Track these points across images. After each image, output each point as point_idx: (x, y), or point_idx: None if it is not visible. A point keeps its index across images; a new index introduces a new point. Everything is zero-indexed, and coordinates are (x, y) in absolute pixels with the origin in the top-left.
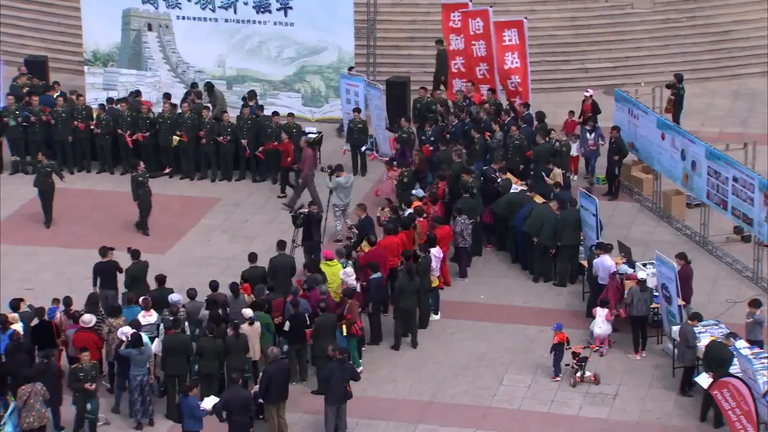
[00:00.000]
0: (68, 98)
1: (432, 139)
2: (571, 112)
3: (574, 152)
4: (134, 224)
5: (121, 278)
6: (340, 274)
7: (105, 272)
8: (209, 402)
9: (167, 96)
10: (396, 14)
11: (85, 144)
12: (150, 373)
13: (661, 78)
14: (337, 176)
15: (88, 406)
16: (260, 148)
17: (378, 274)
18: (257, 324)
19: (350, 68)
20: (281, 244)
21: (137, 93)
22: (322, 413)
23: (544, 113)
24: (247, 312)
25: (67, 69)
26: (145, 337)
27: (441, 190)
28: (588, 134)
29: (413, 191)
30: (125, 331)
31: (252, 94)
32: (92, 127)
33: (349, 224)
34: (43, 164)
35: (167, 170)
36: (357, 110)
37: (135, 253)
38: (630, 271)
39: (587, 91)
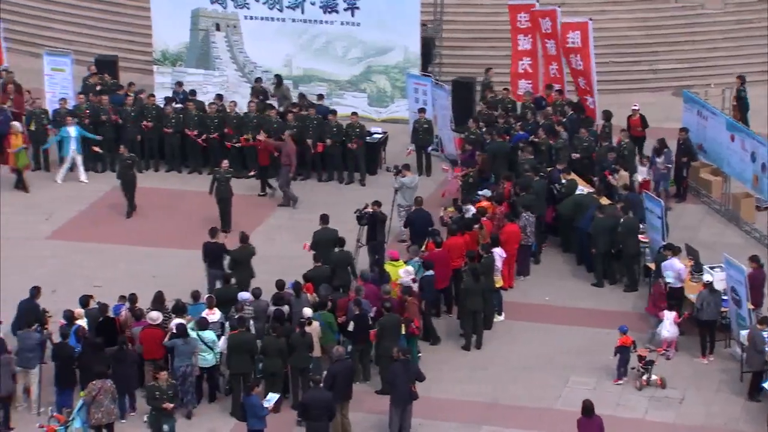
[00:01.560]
0: (138, 98)
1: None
2: (635, 110)
3: (643, 175)
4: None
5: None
6: (399, 272)
7: (213, 252)
8: (271, 400)
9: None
10: (462, 14)
11: (154, 143)
12: (194, 365)
13: (732, 79)
14: (402, 176)
15: (165, 427)
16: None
17: (430, 272)
18: (316, 323)
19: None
20: (324, 218)
21: (192, 93)
22: (385, 413)
23: (611, 112)
24: (307, 312)
25: (137, 68)
26: (211, 335)
27: (507, 190)
28: (657, 157)
29: (479, 192)
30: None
31: (320, 96)
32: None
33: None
34: (123, 156)
35: (252, 172)
36: (422, 110)
37: (243, 237)
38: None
39: (635, 105)
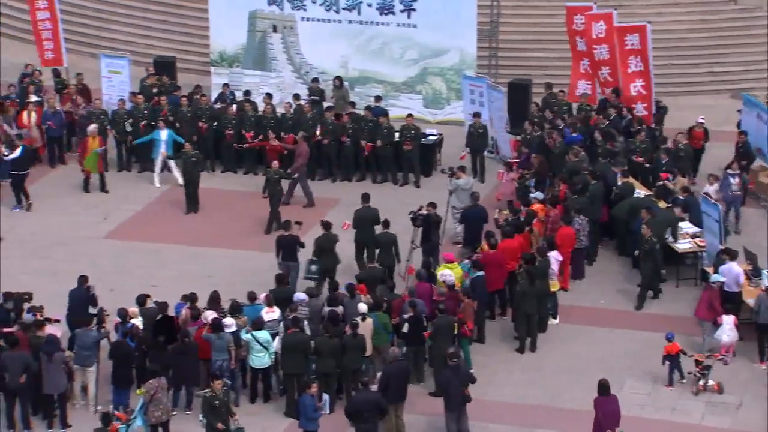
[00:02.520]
0: (193, 99)
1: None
2: (700, 124)
3: (713, 195)
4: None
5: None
6: (438, 274)
7: (287, 245)
8: (326, 403)
9: (296, 97)
10: (519, 16)
11: (209, 144)
12: (231, 359)
13: None
14: (457, 178)
15: None
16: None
17: (480, 273)
18: (369, 320)
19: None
20: (365, 197)
21: (247, 93)
22: (438, 415)
23: (661, 115)
24: (362, 306)
25: (194, 69)
26: (266, 335)
27: (562, 193)
28: (732, 178)
29: (533, 194)
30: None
31: (377, 98)
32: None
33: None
34: (189, 153)
35: (296, 174)
36: (477, 115)
37: (327, 225)
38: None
39: (701, 118)
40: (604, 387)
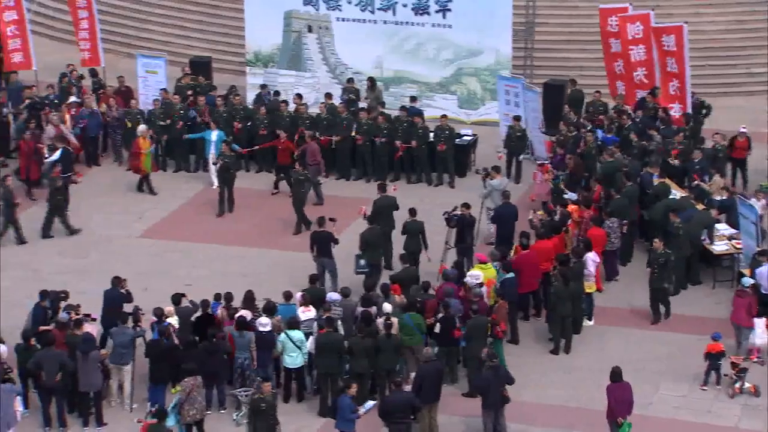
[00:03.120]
0: (228, 99)
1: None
2: (743, 133)
3: (759, 211)
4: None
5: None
6: (467, 276)
7: (321, 241)
8: (368, 406)
9: (329, 96)
10: (555, 16)
11: (244, 144)
12: (252, 359)
13: None
14: (491, 179)
15: None
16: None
17: (511, 274)
18: (395, 320)
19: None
20: (382, 187)
21: (276, 93)
22: (472, 416)
23: (704, 115)
24: (387, 306)
25: (230, 69)
26: (299, 334)
27: (597, 194)
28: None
29: (565, 195)
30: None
31: (413, 98)
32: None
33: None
34: (225, 154)
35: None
36: (517, 118)
37: (370, 219)
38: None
39: (743, 127)
40: (616, 374)
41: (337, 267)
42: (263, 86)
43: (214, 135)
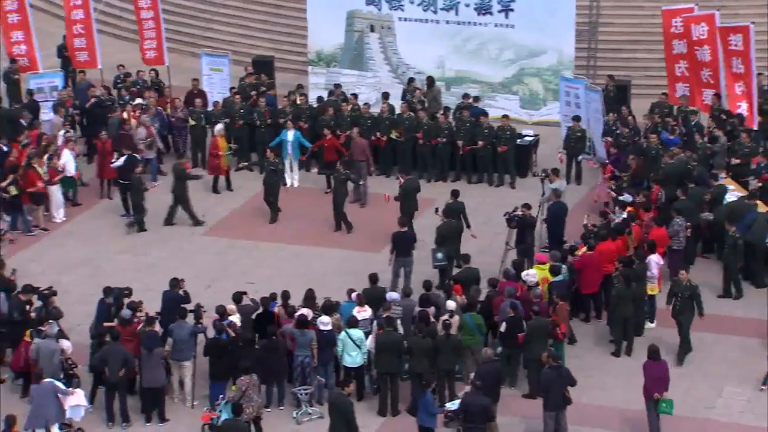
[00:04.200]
0: (289, 98)
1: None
2: None
3: None
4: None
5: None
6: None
7: (402, 241)
8: (455, 404)
9: (386, 96)
10: (619, 16)
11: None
12: (313, 357)
13: None
14: (551, 181)
15: None
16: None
17: (560, 277)
18: (456, 317)
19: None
20: (455, 193)
21: (330, 94)
22: (532, 417)
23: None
24: (450, 304)
25: (292, 69)
26: (359, 333)
27: (654, 195)
28: None
29: (621, 197)
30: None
31: (476, 98)
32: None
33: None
34: (269, 161)
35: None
36: (576, 118)
37: (446, 212)
38: None
39: None
40: (654, 352)
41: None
42: (337, 86)
43: (290, 135)
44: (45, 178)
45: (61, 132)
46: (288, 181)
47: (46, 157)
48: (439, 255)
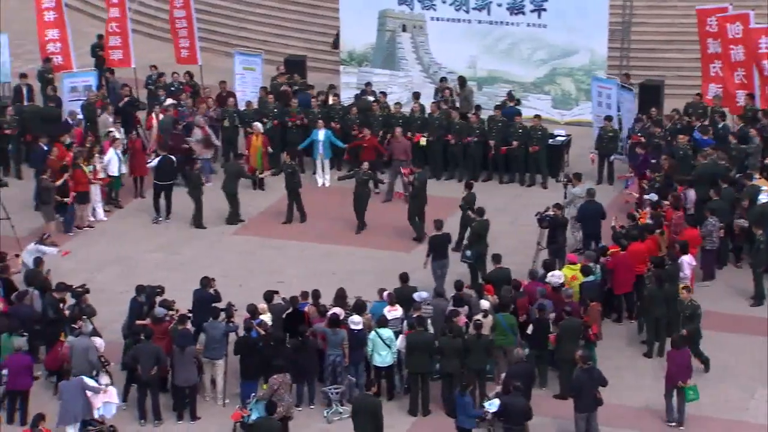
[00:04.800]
0: (322, 100)
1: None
2: None
3: None
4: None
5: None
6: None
7: (439, 244)
8: (494, 404)
9: (416, 95)
10: (652, 16)
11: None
12: (345, 356)
13: None
14: (573, 186)
15: None
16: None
17: (591, 277)
18: (490, 318)
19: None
20: (469, 185)
21: (363, 93)
22: (563, 417)
23: None
24: (484, 303)
25: (324, 68)
26: (389, 332)
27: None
28: None
29: (646, 196)
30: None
31: (518, 101)
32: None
33: None
34: (286, 164)
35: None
36: (608, 118)
37: (480, 212)
38: None
39: None
40: (676, 340)
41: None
42: (368, 84)
43: (321, 134)
44: (89, 177)
45: (108, 131)
46: (319, 181)
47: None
48: (468, 252)
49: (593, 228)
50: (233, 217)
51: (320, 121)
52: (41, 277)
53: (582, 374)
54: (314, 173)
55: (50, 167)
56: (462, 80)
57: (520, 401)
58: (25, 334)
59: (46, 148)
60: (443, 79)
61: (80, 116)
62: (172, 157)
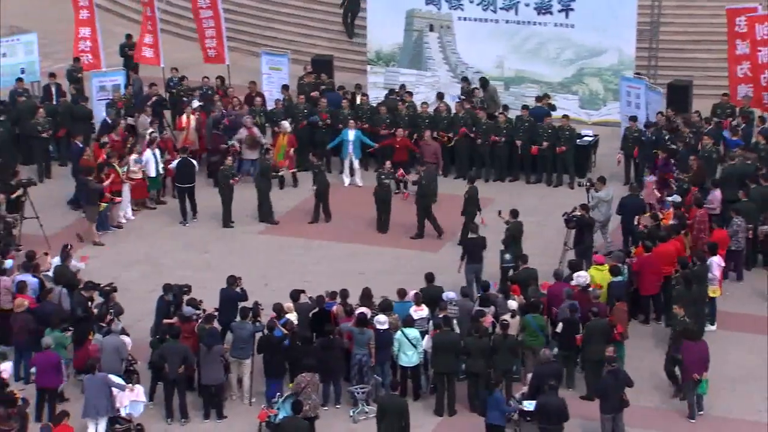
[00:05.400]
0: (349, 99)
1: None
2: None
3: None
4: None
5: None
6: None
7: (474, 247)
8: (531, 404)
9: (440, 95)
10: (681, 16)
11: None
12: (371, 356)
13: None
14: (596, 190)
15: None
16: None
17: (619, 278)
18: (517, 318)
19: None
20: (471, 179)
21: (391, 92)
22: (590, 418)
23: None
24: (512, 303)
25: (351, 68)
26: (415, 332)
27: (689, 196)
28: None
29: (669, 197)
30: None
31: (550, 105)
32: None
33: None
34: (314, 164)
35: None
36: (633, 119)
37: (514, 213)
38: None
39: None
40: (692, 332)
41: None
42: (402, 86)
43: (351, 134)
44: (122, 177)
45: (147, 131)
46: (347, 181)
47: (133, 156)
48: (507, 256)
49: (632, 223)
50: (266, 216)
51: (351, 121)
52: (69, 274)
53: (607, 376)
54: (341, 173)
55: (83, 166)
56: (484, 81)
57: (557, 400)
58: (70, 328)
59: (81, 145)
60: (465, 79)
61: (120, 117)
62: (192, 159)
